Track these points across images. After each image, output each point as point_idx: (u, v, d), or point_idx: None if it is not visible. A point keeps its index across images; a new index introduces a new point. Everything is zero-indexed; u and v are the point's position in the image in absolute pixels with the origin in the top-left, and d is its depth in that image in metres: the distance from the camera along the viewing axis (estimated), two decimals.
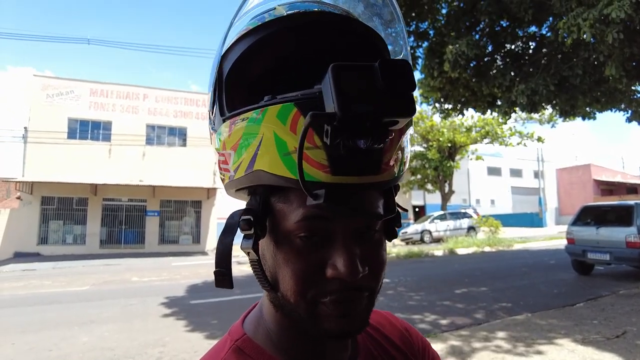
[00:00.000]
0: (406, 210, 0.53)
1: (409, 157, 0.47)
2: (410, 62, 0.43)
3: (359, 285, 0.43)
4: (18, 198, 17.93)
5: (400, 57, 0.53)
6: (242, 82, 0.49)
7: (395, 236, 0.50)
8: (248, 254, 0.46)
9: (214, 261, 0.46)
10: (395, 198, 0.49)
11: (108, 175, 17.76)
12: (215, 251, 0.46)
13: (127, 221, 19.00)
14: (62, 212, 17.97)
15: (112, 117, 18.81)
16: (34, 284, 10.03)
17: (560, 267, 10.25)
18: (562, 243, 12.00)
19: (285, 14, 0.48)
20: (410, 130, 0.47)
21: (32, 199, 17.37)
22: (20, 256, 16.48)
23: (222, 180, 0.50)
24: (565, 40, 6.41)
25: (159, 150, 19.31)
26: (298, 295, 0.43)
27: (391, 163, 0.42)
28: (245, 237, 0.45)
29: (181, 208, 19.90)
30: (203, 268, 12.65)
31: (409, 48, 0.54)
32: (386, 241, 0.49)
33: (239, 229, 0.45)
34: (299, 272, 0.42)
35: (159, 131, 19.72)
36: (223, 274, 0.45)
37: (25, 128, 17.57)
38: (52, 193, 17.63)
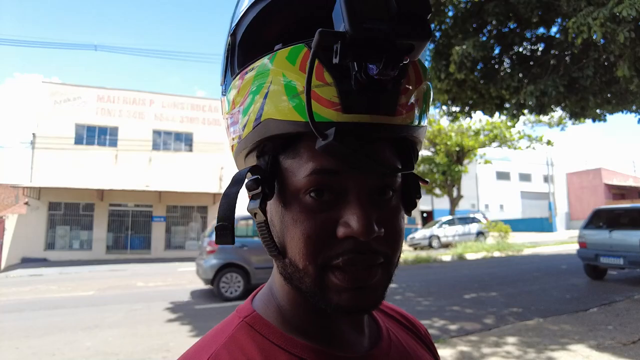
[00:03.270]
0: (427, 182, 0.49)
1: (427, 116, 0.44)
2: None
3: (373, 249, 0.39)
4: (26, 203, 18.05)
5: None
6: (256, 44, 0.47)
7: (414, 206, 0.47)
8: (255, 215, 0.43)
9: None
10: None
11: (114, 181, 17.84)
12: (218, 207, 0.42)
13: (133, 227, 19.04)
14: (69, 218, 18.05)
15: (119, 123, 18.92)
16: (40, 289, 10.04)
17: (572, 271, 10.05)
18: (573, 248, 11.79)
19: None
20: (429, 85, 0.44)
21: (39, 204, 17.48)
22: (27, 261, 16.55)
23: (232, 148, 0.48)
24: (575, 40, 6.30)
25: (165, 155, 19.37)
26: (307, 258, 0.40)
27: (408, 105, 0.39)
28: (252, 198, 0.43)
29: (187, 213, 19.92)
30: None
31: None
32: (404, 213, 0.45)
33: (246, 190, 0.43)
34: (308, 232, 0.39)
35: (165, 137, 19.80)
36: (225, 228, 0.42)
37: (33, 134, 17.73)
38: (59, 198, 17.72)
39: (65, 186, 16.70)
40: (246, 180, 0.42)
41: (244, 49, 0.47)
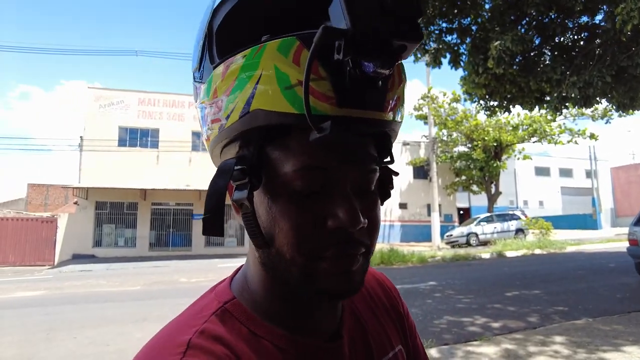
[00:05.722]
0: (397, 174, 0.50)
1: (404, 112, 0.46)
2: None
3: (357, 239, 0.41)
4: (75, 203, 19.07)
5: None
6: (234, 35, 0.46)
7: (389, 196, 0.49)
8: (241, 205, 0.43)
9: None
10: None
11: (156, 181, 18.51)
12: (206, 197, 0.42)
13: (174, 224, 19.69)
14: (114, 216, 18.91)
15: (160, 125, 19.63)
16: (90, 283, 10.61)
17: (621, 270, 9.60)
18: (621, 246, 11.26)
19: None
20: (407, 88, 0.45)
21: (87, 204, 18.42)
22: (77, 257, 17.49)
23: (208, 139, 0.47)
24: (623, 27, 6.02)
25: (204, 156, 19.89)
26: (295, 249, 0.40)
27: (392, 103, 0.40)
28: (237, 188, 0.43)
29: (226, 211, 20.11)
30: None
31: None
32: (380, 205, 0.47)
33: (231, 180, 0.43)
34: (297, 224, 0.40)
35: None
36: (213, 220, 0.43)
37: (80, 137, 18.69)
38: (105, 198, 18.60)
39: (111, 186, 17.51)
40: (233, 169, 0.41)
41: (223, 36, 0.46)
